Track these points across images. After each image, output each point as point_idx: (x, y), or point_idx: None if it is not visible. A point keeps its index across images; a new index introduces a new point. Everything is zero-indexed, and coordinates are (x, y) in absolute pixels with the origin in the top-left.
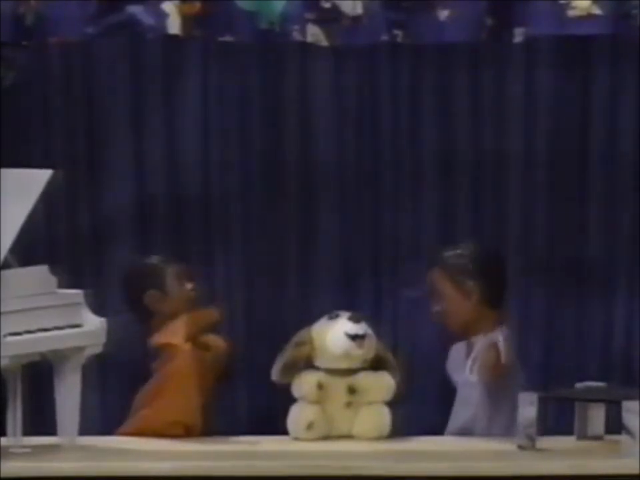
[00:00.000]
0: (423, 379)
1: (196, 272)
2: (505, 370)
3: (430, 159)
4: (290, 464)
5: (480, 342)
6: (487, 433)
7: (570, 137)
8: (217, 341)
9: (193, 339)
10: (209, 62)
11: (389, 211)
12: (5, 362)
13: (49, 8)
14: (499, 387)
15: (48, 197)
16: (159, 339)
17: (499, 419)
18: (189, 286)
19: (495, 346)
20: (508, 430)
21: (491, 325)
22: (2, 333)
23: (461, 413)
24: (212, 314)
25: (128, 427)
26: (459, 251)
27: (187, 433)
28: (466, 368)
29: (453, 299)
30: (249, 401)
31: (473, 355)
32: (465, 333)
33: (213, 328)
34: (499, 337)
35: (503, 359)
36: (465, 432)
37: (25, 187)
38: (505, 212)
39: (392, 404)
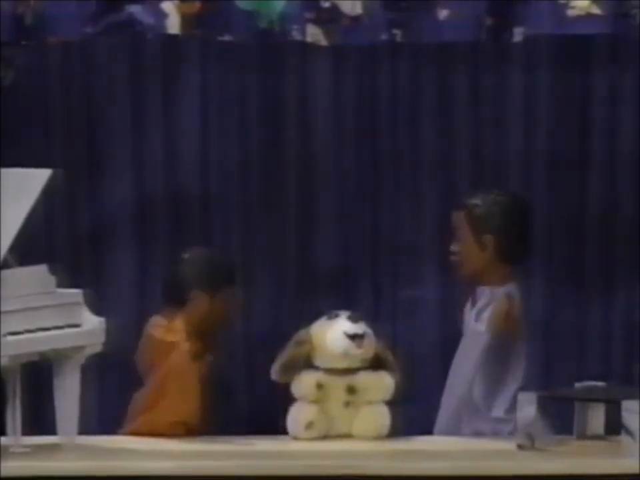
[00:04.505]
0: (422, 379)
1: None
2: (515, 323)
3: (429, 159)
4: (289, 464)
5: (487, 293)
6: (488, 388)
7: (570, 137)
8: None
9: (193, 339)
10: (209, 61)
11: (389, 210)
12: (4, 361)
13: (48, 8)
14: (506, 341)
15: (48, 197)
16: (157, 332)
17: (502, 374)
18: (231, 309)
19: (510, 296)
20: (503, 387)
21: (501, 279)
22: (1, 333)
23: (462, 363)
24: (220, 315)
25: (129, 430)
26: (485, 201)
27: (189, 432)
28: (471, 317)
29: (469, 246)
30: (249, 401)
31: (478, 305)
32: (474, 282)
33: (218, 330)
34: (513, 290)
35: (516, 311)
36: (466, 383)
37: (25, 186)
38: None
39: (391, 404)
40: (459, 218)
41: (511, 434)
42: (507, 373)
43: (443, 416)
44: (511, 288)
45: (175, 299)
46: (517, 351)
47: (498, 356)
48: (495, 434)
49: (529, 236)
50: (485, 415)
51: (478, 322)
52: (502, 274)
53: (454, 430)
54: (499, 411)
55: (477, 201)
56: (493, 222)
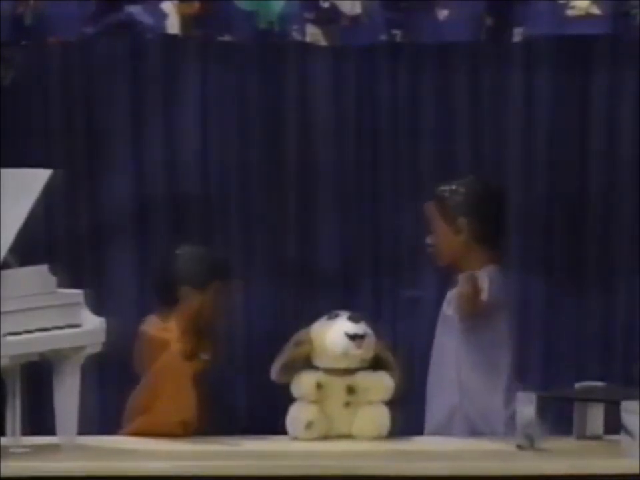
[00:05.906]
0: (422, 379)
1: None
2: (480, 305)
3: (429, 159)
4: (289, 464)
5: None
6: (476, 372)
7: (569, 137)
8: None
9: (186, 337)
10: (208, 62)
11: (389, 210)
12: (4, 362)
13: (48, 8)
14: (476, 324)
15: (48, 197)
16: (150, 329)
17: (477, 357)
18: (222, 305)
19: (472, 279)
20: (489, 372)
21: (480, 262)
22: (1, 333)
23: (440, 349)
24: (211, 311)
25: (128, 430)
26: (454, 187)
27: (187, 432)
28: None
29: (444, 233)
30: (249, 400)
31: (454, 289)
32: (454, 268)
33: (211, 327)
34: (483, 273)
35: (482, 294)
36: (447, 366)
37: (25, 186)
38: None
39: (391, 404)
40: (430, 208)
41: (508, 432)
42: (492, 355)
43: (435, 410)
44: (491, 270)
45: (167, 297)
46: (496, 331)
47: (477, 338)
48: (491, 426)
49: (502, 216)
50: (478, 402)
51: (449, 306)
52: (480, 257)
53: (447, 426)
54: (494, 400)
55: (445, 187)
56: (464, 204)
